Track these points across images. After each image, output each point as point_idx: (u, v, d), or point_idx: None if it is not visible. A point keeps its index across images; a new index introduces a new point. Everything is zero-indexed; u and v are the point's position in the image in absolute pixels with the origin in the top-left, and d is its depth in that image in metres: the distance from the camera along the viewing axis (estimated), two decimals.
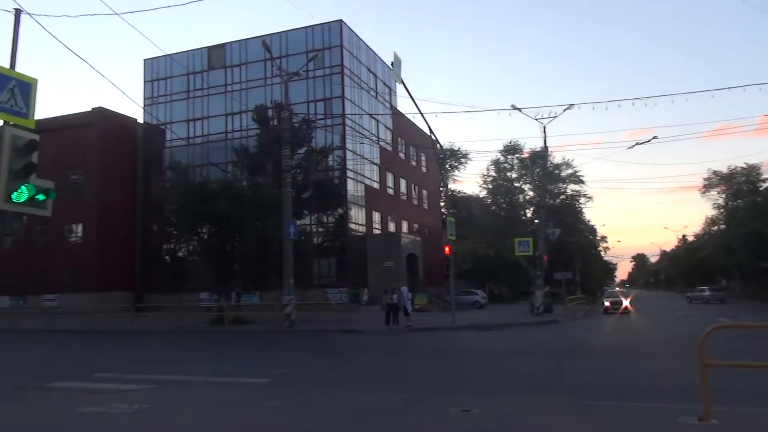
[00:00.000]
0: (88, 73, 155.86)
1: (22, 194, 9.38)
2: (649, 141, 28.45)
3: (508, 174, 68.32)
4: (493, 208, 70.56)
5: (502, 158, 67.12)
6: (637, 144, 29.87)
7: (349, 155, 39.51)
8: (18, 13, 9.56)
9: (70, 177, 40.65)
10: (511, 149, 66.13)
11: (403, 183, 48.76)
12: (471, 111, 66.77)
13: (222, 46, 43.10)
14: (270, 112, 41.01)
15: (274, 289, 29.10)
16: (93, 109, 42.47)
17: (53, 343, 20.33)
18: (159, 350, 17.14)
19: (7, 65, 9.49)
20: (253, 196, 26.06)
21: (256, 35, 41.26)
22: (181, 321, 24.74)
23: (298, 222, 26.77)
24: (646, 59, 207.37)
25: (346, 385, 9.74)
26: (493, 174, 68.32)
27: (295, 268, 23.54)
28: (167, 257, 43.75)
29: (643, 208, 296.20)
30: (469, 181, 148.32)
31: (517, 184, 68.39)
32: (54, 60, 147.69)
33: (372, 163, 43.01)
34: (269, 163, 39.65)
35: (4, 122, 9.41)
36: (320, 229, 40.26)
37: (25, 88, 9.68)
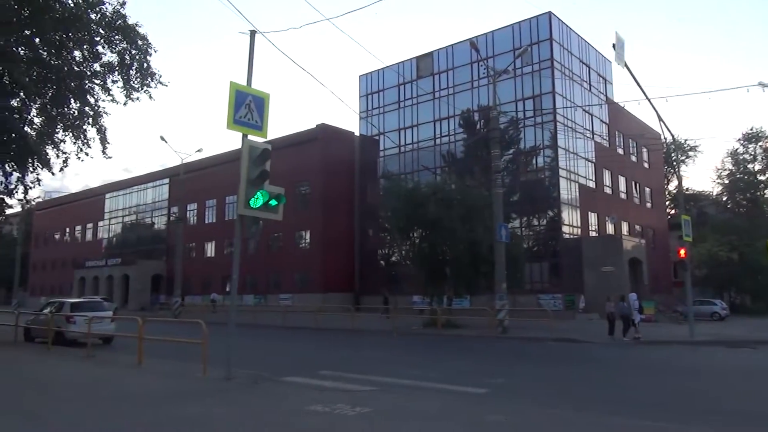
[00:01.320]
0: (307, 89, 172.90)
1: (257, 200, 10.20)
2: None
3: (749, 166, 58.56)
4: (729, 205, 61.04)
5: (741, 148, 57.89)
6: None
7: (561, 153, 37.29)
8: (253, 33, 10.43)
9: (299, 189, 45.08)
10: (753, 137, 56.68)
11: (622, 181, 44.62)
12: (711, 92, 58.31)
13: (429, 54, 44.10)
14: (476, 116, 40.79)
15: (484, 293, 28.58)
16: (317, 126, 46.66)
17: (286, 338, 22.38)
18: (376, 350, 17.68)
19: (240, 83, 10.34)
20: (462, 200, 25.84)
21: (462, 39, 41.39)
22: (396, 323, 25.50)
23: (508, 225, 25.80)
24: None
25: (572, 402, 8.69)
26: (730, 167, 59.15)
27: (507, 273, 22.79)
28: (382, 261, 46.05)
29: None
30: (700, 176, 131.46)
31: (761, 178, 58.30)
32: (274, 76, 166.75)
33: (587, 160, 40.09)
34: (476, 166, 39.34)
35: (243, 135, 10.36)
36: (531, 233, 38.69)
37: (260, 102, 10.53)
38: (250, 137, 10.31)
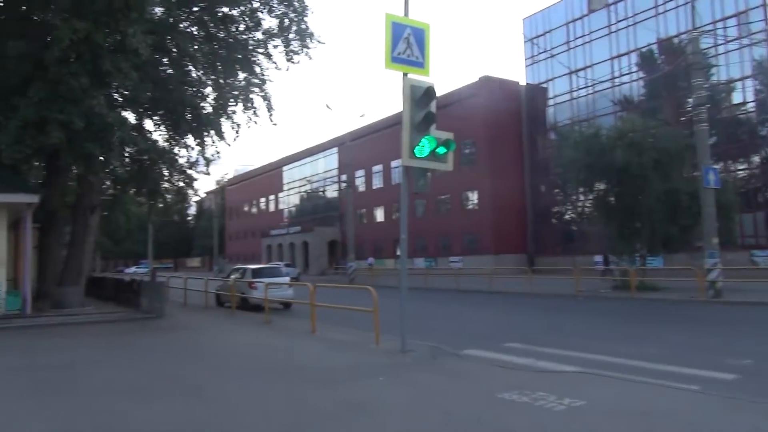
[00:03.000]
0: (465, 44, 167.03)
1: (424, 148, 8.81)
2: None
3: None
4: None
5: None
6: None
7: None
8: None
9: (464, 148, 43.32)
10: None
11: None
12: None
13: None
14: (657, 48, 35.28)
15: (679, 251, 24.73)
16: (479, 79, 44.19)
17: (460, 303, 21.18)
18: (563, 318, 15.65)
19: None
20: (654, 143, 22.16)
21: None
22: (580, 285, 22.98)
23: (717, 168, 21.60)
24: None
25: None
26: None
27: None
28: (554, 219, 42.94)
29: None
30: None
31: None
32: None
33: None
34: (665, 104, 34.29)
35: (402, 74, 9.01)
36: (732, 179, 32.78)
37: (419, 35, 9.05)
38: (411, 76, 8.92)
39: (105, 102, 11.16)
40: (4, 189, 12.98)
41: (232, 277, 19.87)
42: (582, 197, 37.18)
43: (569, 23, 40.60)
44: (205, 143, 19.14)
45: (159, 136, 20.34)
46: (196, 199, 70.03)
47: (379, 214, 54.56)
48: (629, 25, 36.69)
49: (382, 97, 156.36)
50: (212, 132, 18.52)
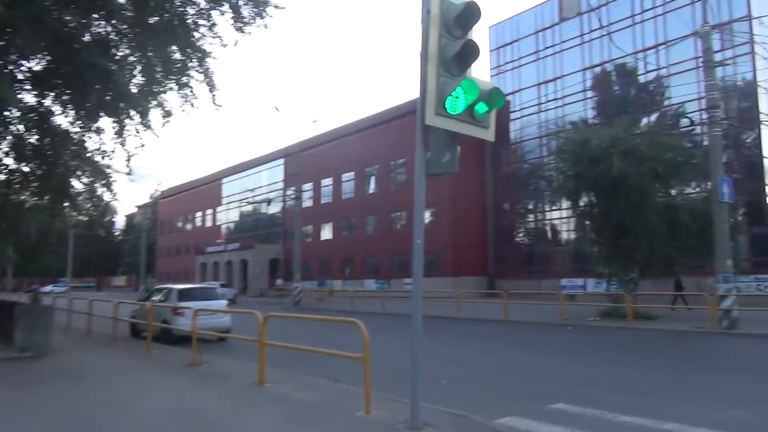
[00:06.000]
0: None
1: (459, 100, 5.49)
2: None
3: None
4: None
5: None
6: None
7: None
8: None
9: None
10: None
11: None
12: None
13: None
14: (629, 61, 33.57)
15: (675, 274, 22.34)
16: None
17: (437, 335, 17.76)
18: (580, 359, 12.53)
19: None
20: (651, 152, 19.79)
21: None
22: (564, 313, 20.11)
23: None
24: None
25: None
26: None
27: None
28: (519, 239, 40.64)
29: None
30: None
31: None
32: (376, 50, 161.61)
33: None
34: (646, 116, 32.65)
35: None
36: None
37: None
38: None
39: None
40: None
41: (153, 299, 15.78)
42: (557, 213, 34.94)
43: (539, 32, 38.60)
44: (125, 127, 15.18)
45: (66, 120, 16.29)
46: (117, 204, 63.89)
47: (327, 232, 50.82)
48: (603, 36, 34.83)
49: (334, 104, 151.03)
50: (133, 114, 14.59)
